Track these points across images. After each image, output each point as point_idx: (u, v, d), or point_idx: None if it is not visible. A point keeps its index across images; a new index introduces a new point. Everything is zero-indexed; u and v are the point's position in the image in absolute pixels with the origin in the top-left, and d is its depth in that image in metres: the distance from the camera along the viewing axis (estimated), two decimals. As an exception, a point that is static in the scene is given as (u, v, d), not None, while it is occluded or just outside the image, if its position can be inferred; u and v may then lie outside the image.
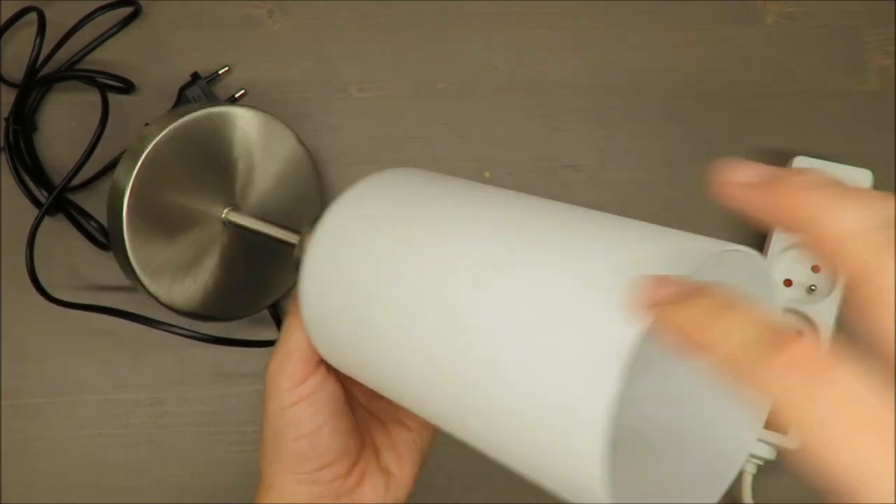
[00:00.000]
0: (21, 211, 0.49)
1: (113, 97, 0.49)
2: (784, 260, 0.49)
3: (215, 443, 0.49)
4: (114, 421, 0.49)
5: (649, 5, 0.52)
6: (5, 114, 0.49)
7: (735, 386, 0.17)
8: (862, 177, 0.48)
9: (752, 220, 0.19)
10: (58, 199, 0.48)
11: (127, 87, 0.50)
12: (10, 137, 0.48)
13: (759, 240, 0.50)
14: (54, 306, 0.48)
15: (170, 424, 0.49)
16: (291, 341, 0.35)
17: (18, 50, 0.50)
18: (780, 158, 0.50)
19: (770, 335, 0.16)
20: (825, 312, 0.47)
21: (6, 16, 0.49)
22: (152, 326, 0.47)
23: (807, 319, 0.47)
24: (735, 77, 0.52)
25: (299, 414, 0.34)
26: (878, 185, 0.49)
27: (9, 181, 0.49)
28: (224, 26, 0.51)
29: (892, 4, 0.52)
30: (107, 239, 0.49)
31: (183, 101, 0.49)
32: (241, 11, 0.51)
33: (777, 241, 0.48)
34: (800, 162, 0.48)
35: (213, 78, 0.50)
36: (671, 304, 0.19)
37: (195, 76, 0.50)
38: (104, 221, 0.49)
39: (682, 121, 0.51)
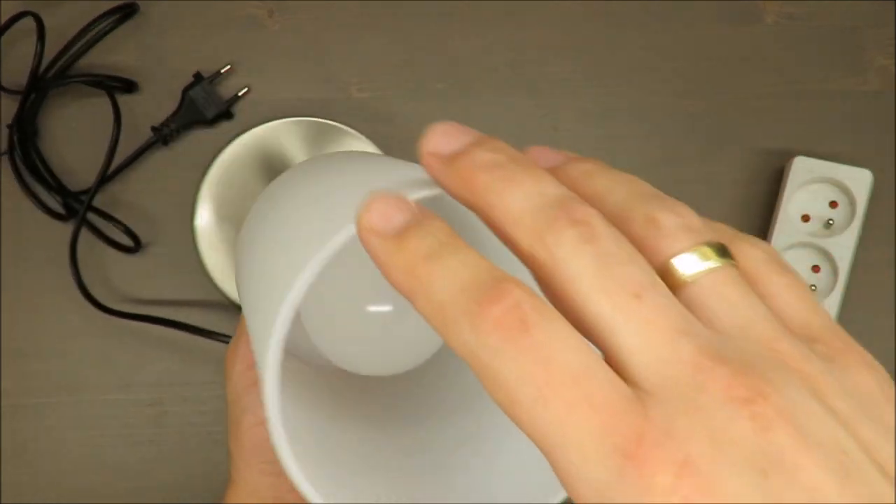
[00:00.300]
0: (19, 211, 0.49)
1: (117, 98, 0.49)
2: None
3: (216, 443, 0.49)
4: (114, 421, 0.49)
5: (649, 5, 0.52)
6: (6, 120, 0.49)
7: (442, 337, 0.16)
8: (862, 177, 0.48)
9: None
10: (70, 205, 0.49)
11: (129, 87, 0.50)
12: (15, 143, 0.48)
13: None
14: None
15: (170, 425, 0.49)
16: (244, 323, 0.34)
17: (14, 57, 0.50)
18: (780, 158, 0.50)
19: (479, 285, 0.15)
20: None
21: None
22: (205, 336, 0.48)
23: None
24: (735, 77, 0.52)
25: (255, 398, 0.33)
26: (878, 185, 0.49)
27: (9, 182, 0.49)
28: (224, 26, 0.51)
29: (892, 4, 0.52)
30: (134, 241, 0.49)
31: (186, 101, 0.49)
32: (241, 11, 0.51)
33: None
34: (800, 162, 0.48)
35: (216, 77, 0.50)
36: (390, 236, 0.17)
37: (198, 76, 0.50)
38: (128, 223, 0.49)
39: (682, 121, 0.51)
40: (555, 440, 0.14)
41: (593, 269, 0.15)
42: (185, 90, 0.50)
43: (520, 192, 0.17)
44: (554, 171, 0.19)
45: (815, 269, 0.48)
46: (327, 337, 0.36)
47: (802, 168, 0.48)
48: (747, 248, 0.18)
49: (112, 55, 0.51)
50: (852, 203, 0.48)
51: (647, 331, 0.15)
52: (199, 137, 0.50)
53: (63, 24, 0.49)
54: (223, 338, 0.47)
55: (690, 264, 0.16)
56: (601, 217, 0.16)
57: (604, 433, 0.14)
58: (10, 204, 0.50)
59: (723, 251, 0.17)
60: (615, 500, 0.14)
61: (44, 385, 0.49)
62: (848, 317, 0.49)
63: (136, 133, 0.50)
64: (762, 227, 0.50)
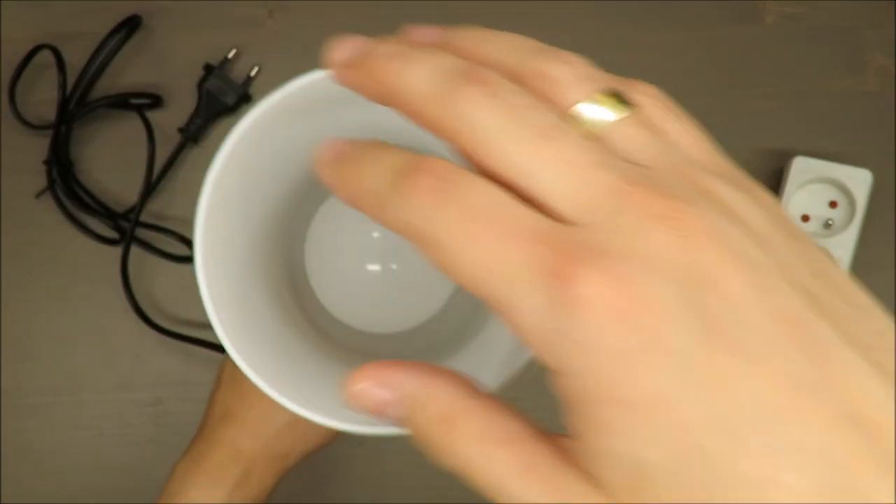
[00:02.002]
0: (16, 211, 0.49)
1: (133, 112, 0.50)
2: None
3: (215, 443, 0.49)
4: (114, 421, 0.49)
5: (649, 5, 0.52)
6: (39, 158, 0.49)
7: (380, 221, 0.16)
8: (861, 176, 0.48)
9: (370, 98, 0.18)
10: (121, 226, 0.49)
11: (155, 101, 0.50)
12: (55, 178, 0.49)
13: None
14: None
15: (170, 424, 0.49)
16: None
17: (28, 93, 0.50)
18: (780, 158, 0.50)
19: (403, 165, 0.16)
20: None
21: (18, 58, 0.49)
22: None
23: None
24: (735, 77, 0.52)
25: None
26: (877, 185, 0.49)
27: (9, 180, 0.49)
28: (225, 27, 0.51)
29: (892, 4, 0.52)
30: (189, 247, 0.49)
31: (204, 95, 0.49)
32: (241, 12, 0.51)
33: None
34: (799, 162, 0.48)
35: (225, 63, 0.50)
36: (337, 157, 0.18)
37: (208, 68, 0.50)
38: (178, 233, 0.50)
39: (682, 121, 0.51)
40: (492, 282, 0.15)
41: (500, 120, 0.16)
42: (200, 84, 0.50)
43: (420, 70, 0.17)
44: (443, 47, 0.19)
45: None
46: (331, 294, 0.41)
47: (802, 168, 0.48)
48: (639, 96, 0.18)
49: (125, 71, 0.51)
50: (852, 203, 0.48)
51: (561, 168, 0.15)
52: (225, 127, 0.50)
53: (68, 51, 0.49)
54: None
55: (592, 112, 0.17)
56: (500, 75, 0.17)
57: (530, 259, 0.14)
58: (10, 201, 0.50)
59: (620, 98, 0.17)
60: (555, 322, 0.14)
61: (44, 385, 0.49)
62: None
63: (163, 140, 0.50)
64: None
